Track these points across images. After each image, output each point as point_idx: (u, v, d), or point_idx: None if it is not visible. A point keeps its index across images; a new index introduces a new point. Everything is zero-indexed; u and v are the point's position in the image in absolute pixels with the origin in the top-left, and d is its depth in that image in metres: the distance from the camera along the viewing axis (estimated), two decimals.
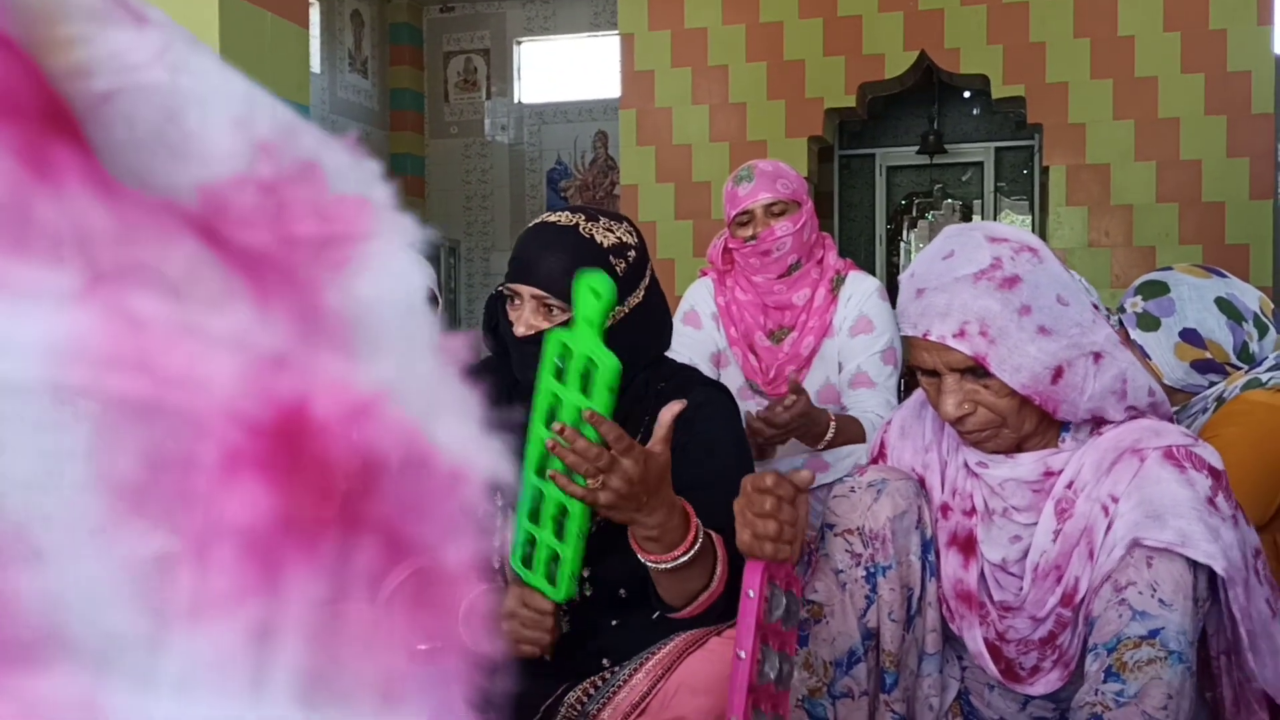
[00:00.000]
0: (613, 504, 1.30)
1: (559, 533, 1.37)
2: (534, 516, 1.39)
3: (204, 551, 0.33)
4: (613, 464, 1.28)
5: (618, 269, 1.51)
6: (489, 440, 0.37)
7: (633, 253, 1.54)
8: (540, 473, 1.37)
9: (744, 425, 2.05)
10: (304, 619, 0.33)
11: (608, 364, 1.30)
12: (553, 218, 1.54)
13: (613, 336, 1.47)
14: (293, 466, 0.33)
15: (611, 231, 1.53)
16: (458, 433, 0.36)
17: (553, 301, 1.50)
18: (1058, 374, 1.33)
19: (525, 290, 1.51)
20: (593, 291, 1.32)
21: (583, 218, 1.53)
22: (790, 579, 1.32)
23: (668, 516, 1.33)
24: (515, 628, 1.40)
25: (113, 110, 0.36)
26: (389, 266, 0.36)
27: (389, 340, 0.35)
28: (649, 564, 1.36)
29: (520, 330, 1.52)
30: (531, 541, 1.40)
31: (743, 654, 1.25)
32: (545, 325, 1.50)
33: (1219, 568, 1.29)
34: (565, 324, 1.46)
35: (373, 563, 0.35)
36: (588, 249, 1.50)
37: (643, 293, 1.55)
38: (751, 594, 1.26)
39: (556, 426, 1.29)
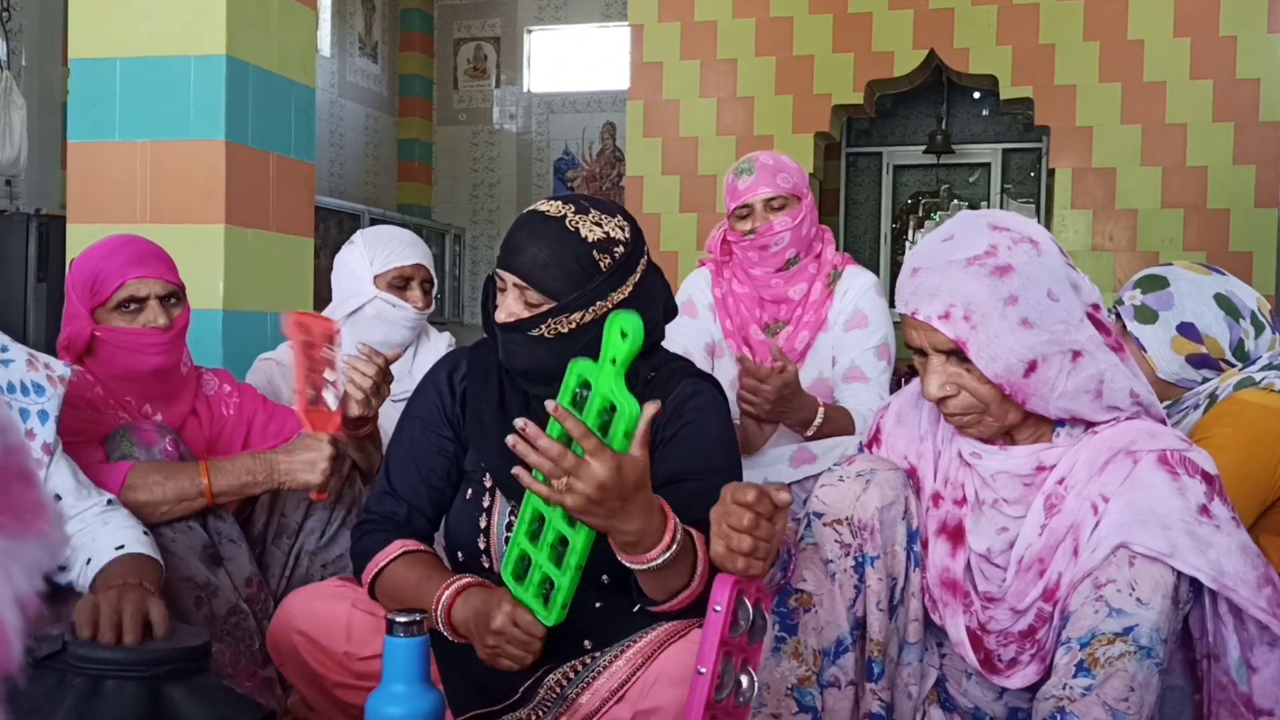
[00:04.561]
0: (582, 508, 1.28)
1: (557, 561, 1.37)
2: (533, 537, 1.39)
3: None
4: (579, 466, 1.26)
5: (601, 264, 1.49)
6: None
7: (620, 248, 1.51)
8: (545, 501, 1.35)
9: (738, 398, 2.04)
10: None
11: (627, 410, 1.28)
12: (544, 206, 1.53)
13: (590, 326, 1.47)
14: None
15: (600, 225, 1.51)
16: None
17: (531, 293, 1.49)
18: (1031, 367, 1.34)
19: (509, 278, 1.51)
20: (621, 332, 1.29)
21: (572, 209, 1.51)
22: (759, 593, 1.30)
23: (646, 522, 1.31)
24: (502, 644, 1.40)
25: None
26: None
27: None
28: (628, 564, 1.36)
29: (501, 316, 1.52)
30: (526, 560, 1.40)
31: (703, 670, 1.23)
32: (525, 314, 1.50)
33: (1206, 579, 1.30)
34: (586, 354, 1.38)
35: None
36: (571, 242, 1.48)
37: (630, 289, 1.52)
38: (718, 609, 1.24)
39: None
